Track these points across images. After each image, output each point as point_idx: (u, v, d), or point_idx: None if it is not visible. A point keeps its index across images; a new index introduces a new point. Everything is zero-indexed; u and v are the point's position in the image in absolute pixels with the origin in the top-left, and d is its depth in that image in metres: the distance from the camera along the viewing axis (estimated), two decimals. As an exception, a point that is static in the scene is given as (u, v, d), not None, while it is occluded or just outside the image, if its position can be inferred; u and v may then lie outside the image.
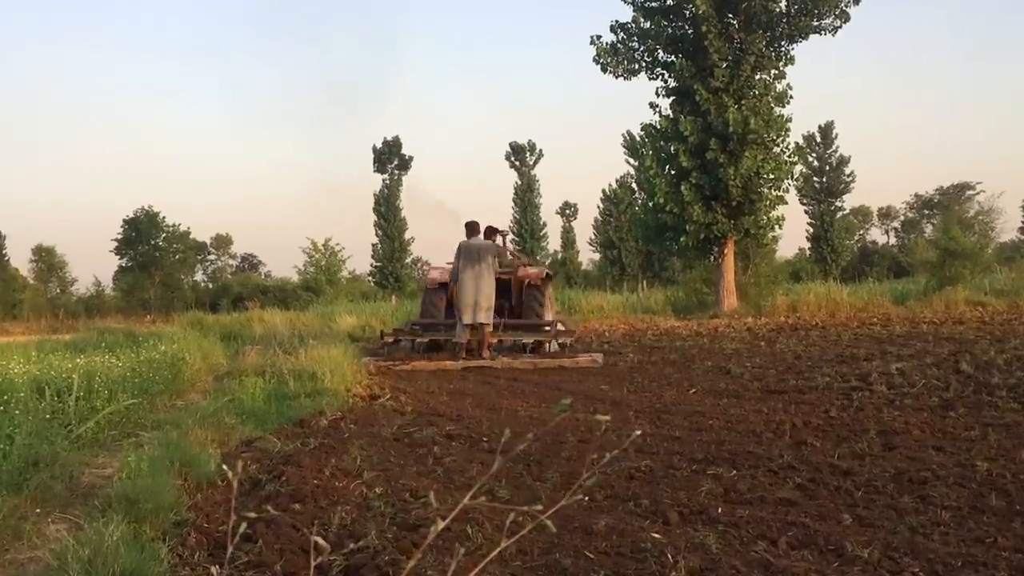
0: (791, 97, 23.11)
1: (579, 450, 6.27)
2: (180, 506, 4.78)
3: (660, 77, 24.00)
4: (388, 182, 54.26)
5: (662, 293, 30.40)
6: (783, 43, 23.28)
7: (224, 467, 1.98)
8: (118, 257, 60.74)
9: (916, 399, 7.95)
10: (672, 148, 23.45)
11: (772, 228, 23.71)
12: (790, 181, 23.77)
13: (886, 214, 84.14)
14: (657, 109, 24.04)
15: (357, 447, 6.41)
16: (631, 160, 49.75)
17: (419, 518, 4.47)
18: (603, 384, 10.35)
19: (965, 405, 7.47)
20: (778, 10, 22.83)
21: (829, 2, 22.60)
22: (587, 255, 68.03)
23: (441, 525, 1.49)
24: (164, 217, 60.99)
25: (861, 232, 78.01)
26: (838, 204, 56.05)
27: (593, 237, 59.22)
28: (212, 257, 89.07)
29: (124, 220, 59.97)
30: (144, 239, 59.96)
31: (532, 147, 57.80)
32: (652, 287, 43.04)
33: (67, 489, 5.30)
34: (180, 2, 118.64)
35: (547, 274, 15.04)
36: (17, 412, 6.13)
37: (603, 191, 55.40)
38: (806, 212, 56.32)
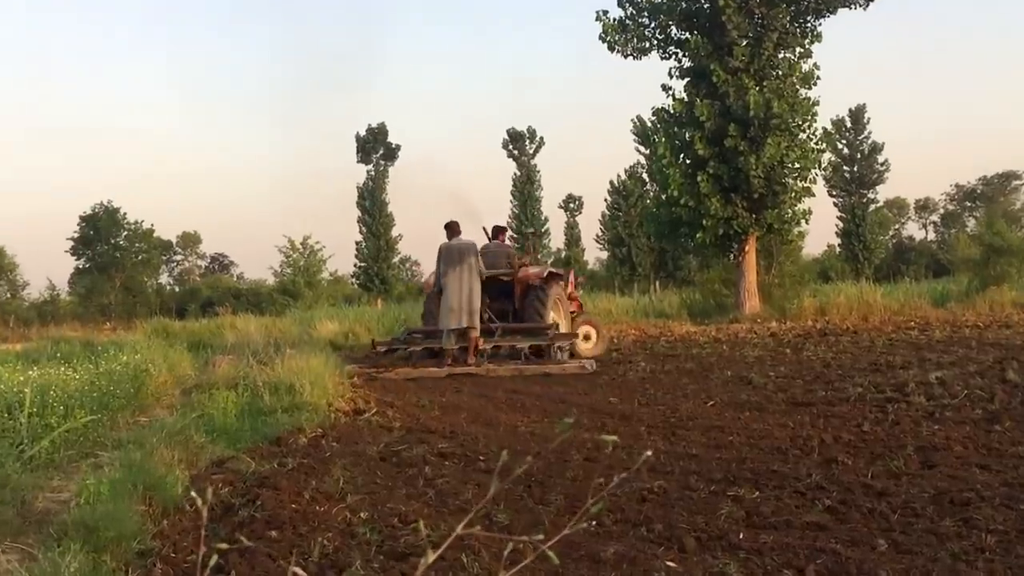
0: (818, 78, 23.11)
1: (585, 470, 6.26)
2: (144, 534, 4.78)
3: (673, 56, 24.01)
4: (373, 173, 54.38)
5: (676, 295, 30.37)
6: (809, 18, 23.26)
7: (193, 493, 1.98)
8: (74, 258, 60.81)
9: (958, 411, 7.95)
10: (687, 135, 23.45)
11: (798, 223, 23.70)
12: (817, 171, 23.77)
13: (924, 206, 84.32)
14: (670, 92, 24.06)
15: (340, 467, 6.40)
16: (642, 148, 49.88)
17: (408, 546, 4.47)
18: (612, 396, 10.34)
19: (1012, 418, 7.46)
20: (804, -19, 22.84)
21: (860, -29, 22.65)
22: (593, 253, 68.16)
23: (433, 556, 1.49)
24: (125, 214, 61.06)
25: (896, 227, 78.22)
26: (871, 196, 56.10)
27: (600, 233, 59.37)
28: (179, 258, 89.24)
29: (81, 217, 60.02)
30: (103, 238, 59.93)
31: (532, 134, 57.93)
32: (665, 288, 43.05)
33: (19, 516, 5.29)
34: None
35: (549, 273, 15.16)
36: (-37, 431, 6.12)
37: (611, 183, 55.41)
38: (835, 205, 56.44)
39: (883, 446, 6.60)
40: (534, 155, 58.18)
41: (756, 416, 8.36)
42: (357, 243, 54.20)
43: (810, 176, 23.34)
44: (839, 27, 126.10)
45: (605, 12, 23.53)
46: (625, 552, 4.21)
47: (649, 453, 4.67)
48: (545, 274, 15.00)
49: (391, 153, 54.79)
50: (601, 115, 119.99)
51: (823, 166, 24.73)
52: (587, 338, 15.98)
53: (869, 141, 55.70)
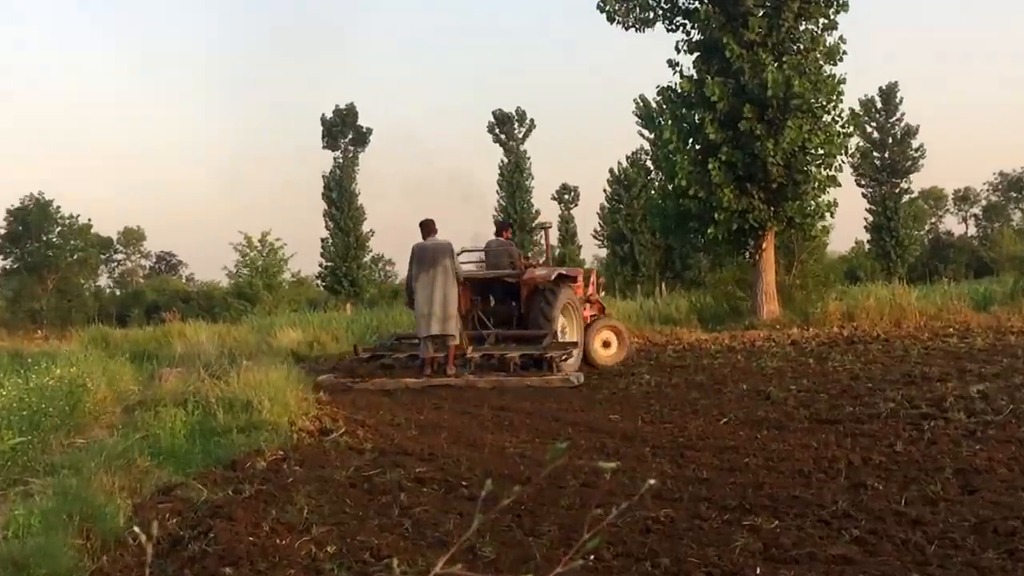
0: (844, 53, 23.10)
1: (582, 497, 6.28)
2: (81, 571, 4.77)
3: (681, 28, 23.97)
4: (341, 160, 54.18)
5: (685, 298, 30.34)
6: (834, -16, 23.32)
7: (135, 527, 1.98)
8: (1, 257, 60.54)
9: (1002, 429, 7.97)
10: (696, 117, 23.38)
11: (822, 216, 23.65)
12: (844, 157, 23.73)
13: (963, 197, 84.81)
14: (677, 68, 23.99)
15: (304, 495, 6.41)
16: (645, 132, 49.74)
17: (382, 584, 4.48)
18: (612, 413, 10.36)
19: (1063, 436, 7.50)
20: (828, -58, 22.86)
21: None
22: (591, 251, 68.27)
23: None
24: (59, 207, 60.90)
25: (933, 220, 78.65)
26: (904, 186, 56.29)
27: (599, 228, 59.47)
28: (120, 257, 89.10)
29: (8, 210, 59.82)
30: (33, 235, 59.72)
31: (522, 116, 57.92)
32: (673, 291, 43.12)
33: (-63, 552, 5.27)
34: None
35: (559, 275, 15.34)
36: None
37: (611, 171, 55.47)
38: (864, 196, 56.61)
39: (918, 469, 6.62)
40: (523, 140, 58.19)
41: (775, 435, 8.39)
42: (323, 240, 54.04)
43: (836, 163, 23.29)
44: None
45: (603, -23, 23.49)
46: (627, 590, 4.22)
47: (652, 482, 4.67)
48: (554, 276, 15.15)
49: (361, 138, 54.60)
50: (600, 95, 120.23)
51: (850, 152, 24.75)
52: (607, 344, 16.21)
53: (902, 124, 55.88)
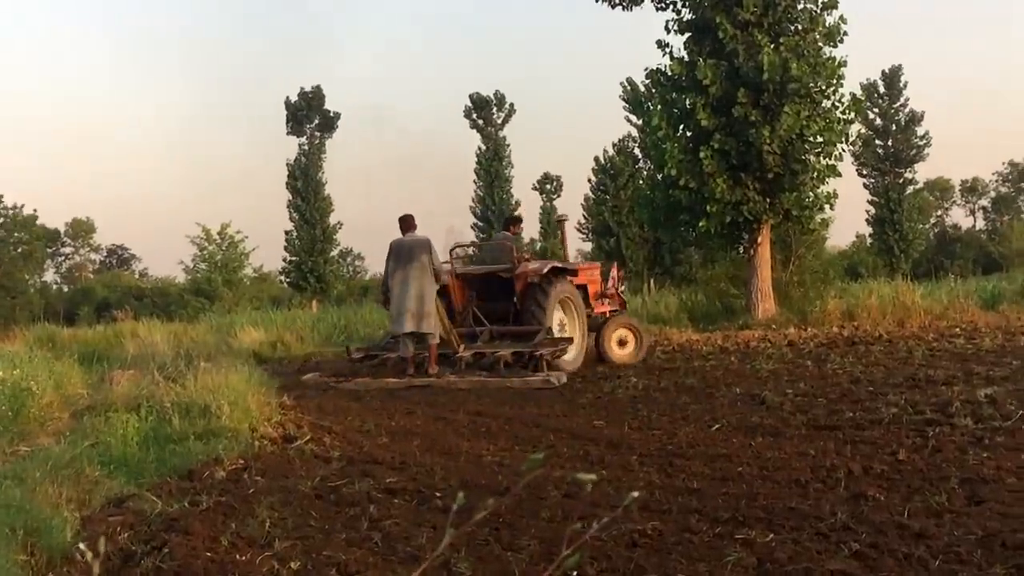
0: (845, 33, 23.22)
1: (564, 509, 6.29)
2: (24, 590, 4.73)
3: (671, 6, 24.06)
4: (307, 147, 54.05)
5: (675, 295, 30.50)
6: (834, -40, 23.41)
7: (81, 544, 1.97)
8: (-63, 251, 60.07)
9: (1011, 436, 8.03)
10: (688, 102, 23.44)
11: (821, 208, 23.75)
12: (844, 145, 23.83)
13: (971, 189, 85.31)
14: (667, 50, 24.05)
15: (266, 507, 6.42)
16: (633, 118, 49.91)
17: (350, 603, 4.47)
18: (596, 419, 10.38)
19: (1076, 443, 7.56)
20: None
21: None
22: (575, 244, 68.22)
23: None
24: (1, 196, 60.41)
25: (939, 213, 79.10)
26: (908, 176, 56.72)
27: (583, 221, 59.48)
28: (68, 250, 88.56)
29: (-56, 200, 59.28)
30: (-27, 226, 59.34)
31: (500, 100, 57.91)
32: (662, 288, 43.20)
33: None
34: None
35: (552, 268, 15.63)
36: None
37: (596, 160, 55.56)
38: (866, 187, 57.04)
39: (922, 478, 6.66)
40: (503, 125, 58.23)
41: (770, 442, 8.42)
42: (287, 232, 53.93)
43: (836, 152, 23.37)
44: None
45: (588, -49, 23.55)
46: (612, 608, 4.22)
47: (635, 494, 4.66)
48: (546, 269, 15.42)
49: (328, 123, 54.55)
50: (585, 78, 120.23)
51: (851, 139, 24.76)
52: (623, 343, 16.59)
53: (906, 110, 56.34)
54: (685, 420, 9.95)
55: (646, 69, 24.60)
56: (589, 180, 55.93)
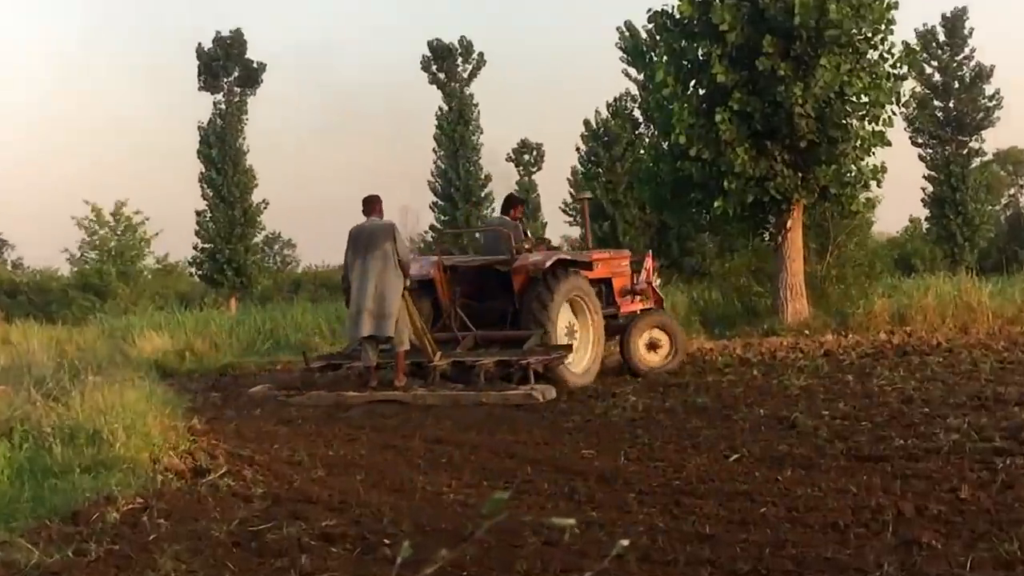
0: (896, -34, 23.25)
1: (544, 559, 6.32)
2: None
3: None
4: (224, 107, 53.60)
5: (684, 293, 30.51)
6: None
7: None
8: None
9: (1100, 469, 8.07)
10: (701, 52, 23.38)
11: (866, 185, 23.76)
12: (895, 107, 23.86)
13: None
14: (675, -14, 24.03)
15: (170, 557, 6.45)
16: (632, 72, 49.87)
17: None
18: (586, 447, 10.42)
19: None
20: None
21: None
22: (559, 228, 68.50)
23: None
24: None
25: (1012, 192, 79.44)
26: (974, 146, 56.53)
27: (569, 200, 59.48)
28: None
29: None
30: None
31: (467, 49, 57.65)
32: (668, 283, 43.10)
33: None
34: None
35: (558, 260, 15.78)
36: None
37: (586, 123, 55.31)
38: (922, 159, 56.84)
39: (988, 521, 6.68)
40: (469, 80, 57.97)
41: (801, 476, 8.44)
42: (199, 213, 53.27)
43: (884, 115, 23.36)
44: None
45: None
46: None
47: (625, 543, 4.55)
48: (550, 262, 15.46)
49: (251, 75, 53.97)
50: (572, 23, 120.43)
51: (903, 100, 24.82)
52: (654, 347, 16.98)
53: (972, 63, 56.06)
54: (696, 449, 10.00)
55: (649, 11, 24.40)
56: (578, 149, 55.59)
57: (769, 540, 6.49)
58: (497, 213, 18.02)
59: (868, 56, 22.71)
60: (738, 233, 26.16)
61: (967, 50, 55.95)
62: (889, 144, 23.41)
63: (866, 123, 22.91)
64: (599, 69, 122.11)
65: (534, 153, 62.64)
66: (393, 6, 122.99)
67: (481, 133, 57.96)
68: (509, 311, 15.91)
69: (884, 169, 23.49)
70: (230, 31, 53.78)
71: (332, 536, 7.08)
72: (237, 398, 16.07)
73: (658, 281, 19.48)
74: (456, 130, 56.83)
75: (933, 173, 56.23)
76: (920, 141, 56.18)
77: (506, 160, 62.84)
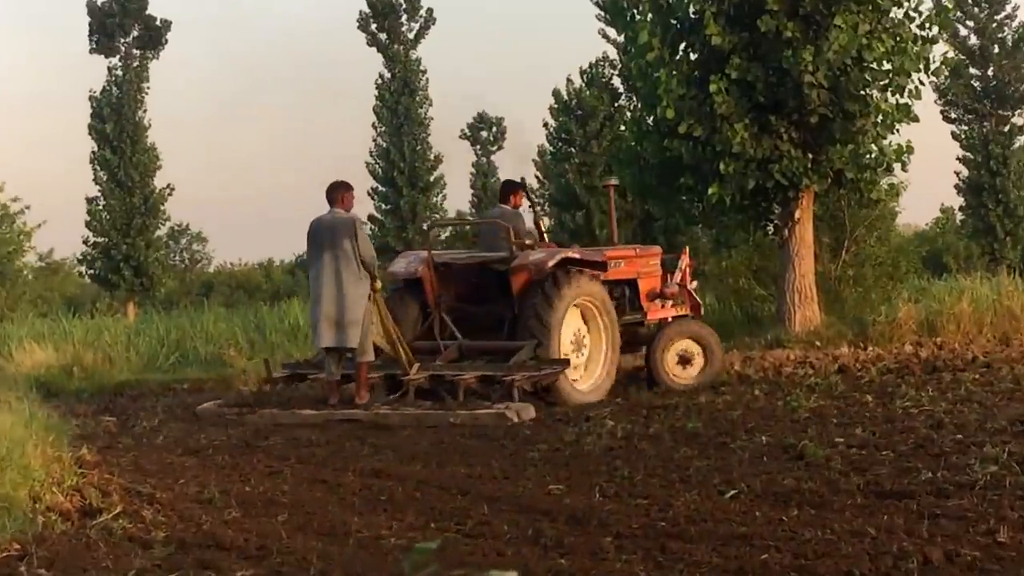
0: (924, -92, 23.45)
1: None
2: None
3: None
4: (121, 73, 53.35)
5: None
6: None
7: None
8: None
9: None
10: (692, 10, 23.50)
11: (889, 168, 23.83)
12: (923, 76, 24.00)
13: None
14: (662, -68, 24.19)
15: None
16: (611, 33, 49.92)
17: None
18: (554, 481, 10.38)
19: None
20: None
21: None
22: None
23: None
24: None
25: (1062, 176, 79.93)
26: (1017, 122, 56.59)
27: (536, 185, 59.41)
28: None
29: None
30: None
31: (413, 6, 57.43)
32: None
33: None
34: None
35: (563, 259, 15.86)
36: None
37: (555, 95, 55.28)
38: (955, 138, 56.89)
39: (1031, 568, 6.72)
40: (416, 43, 57.80)
41: (811, 517, 8.44)
42: (90, 201, 53.05)
43: (911, 85, 23.46)
44: None
45: None
46: None
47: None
48: (554, 261, 15.56)
49: (153, 36, 53.69)
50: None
51: (933, 68, 24.96)
52: (686, 361, 17.07)
53: (1015, 23, 56.21)
54: (685, 484, 9.96)
55: (630, -39, 24.56)
56: (546, 125, 55.36)
57: (772, 591, 6.47)
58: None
59: (891, 15, 22.56)
60: (736, 226, 26.07)
61: (1009, 7, 55.57)
62: (916, 120, 23.26)
63: (889, 94, 22.76)
64: (571, 31, 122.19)
65: (493, 129, 62.49)
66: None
67: (430, 105, 57.31)
68: (507, 317, 16.01)
69: (910, 149, 23.38)
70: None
71: (247, 590, 6.99)
72: (134, 424, 15.84)
73: (694, 284, 19.56)
74: (400, 101, 56.27)
75: (969, 154, 56.10)
76: (953, 116, 55.95)
77: (460, 137, 62.71)
